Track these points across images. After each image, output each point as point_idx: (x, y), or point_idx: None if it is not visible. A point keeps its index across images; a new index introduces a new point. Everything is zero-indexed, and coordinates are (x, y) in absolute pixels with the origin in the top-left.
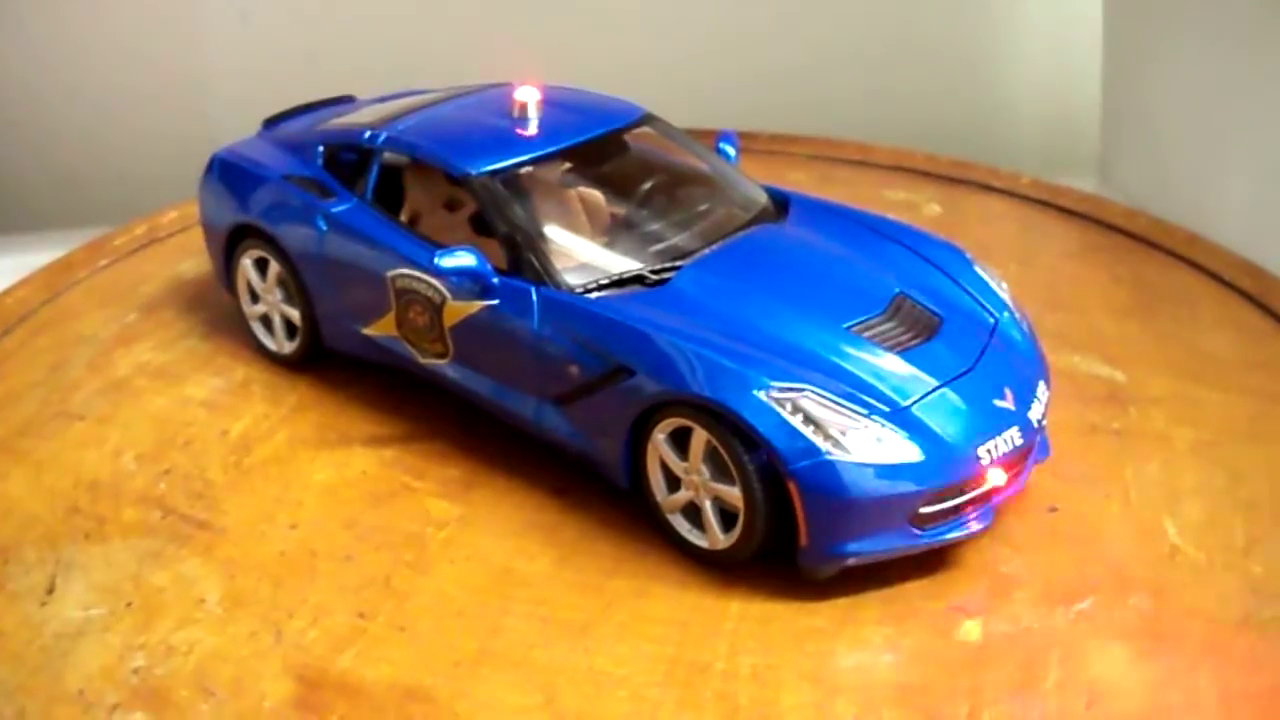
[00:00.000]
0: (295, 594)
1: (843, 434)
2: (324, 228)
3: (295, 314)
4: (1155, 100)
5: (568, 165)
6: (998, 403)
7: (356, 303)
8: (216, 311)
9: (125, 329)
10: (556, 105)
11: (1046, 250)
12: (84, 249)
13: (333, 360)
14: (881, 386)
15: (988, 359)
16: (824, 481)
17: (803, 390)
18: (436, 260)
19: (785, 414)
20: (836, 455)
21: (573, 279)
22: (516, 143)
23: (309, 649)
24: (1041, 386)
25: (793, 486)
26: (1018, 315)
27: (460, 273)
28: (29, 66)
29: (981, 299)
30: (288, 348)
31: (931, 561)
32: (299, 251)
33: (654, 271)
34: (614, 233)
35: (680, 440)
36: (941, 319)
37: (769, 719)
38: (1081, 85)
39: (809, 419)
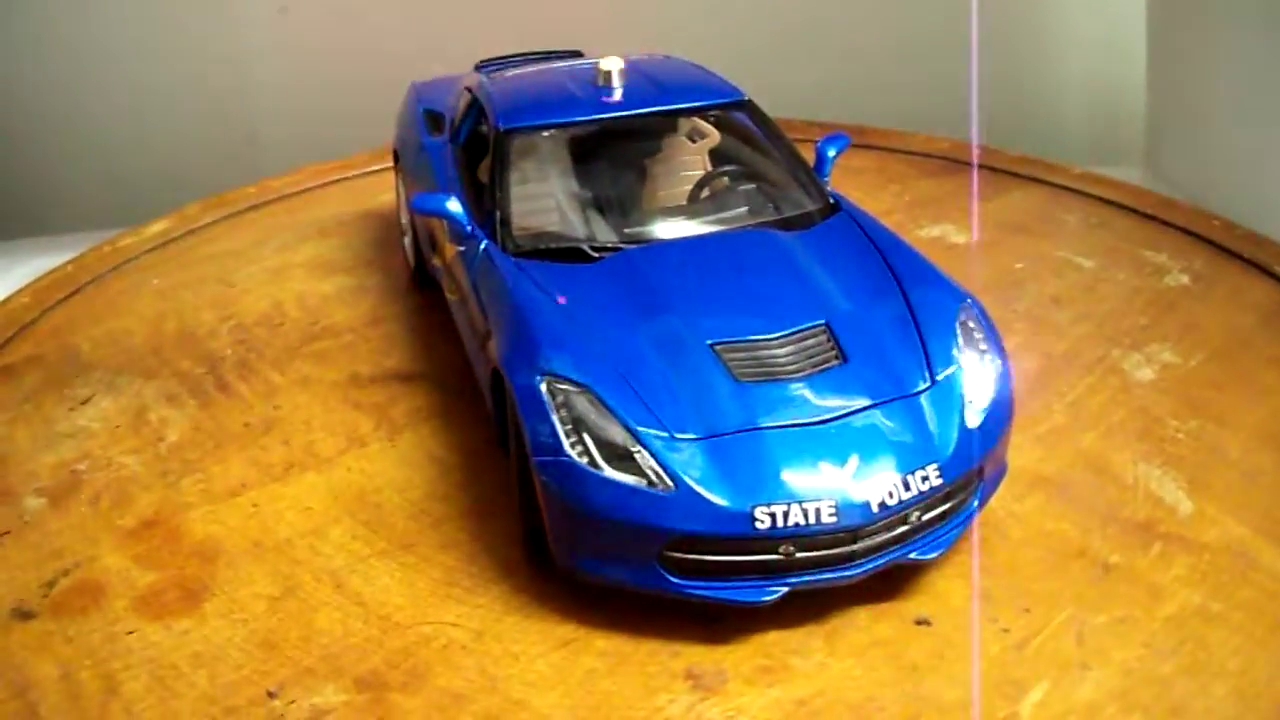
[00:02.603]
0: (220, 457)
1: (596, 443)
2: (418, 161)
3: (413, 235)
4: (1201, 90)
5: (609, 135)
6: (825, 467)
7: (428, 233)
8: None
9: (332, 224)
10: (644, 78)
11: None
12: (359, 158)
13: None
14: (688, 410)
15: (860, 419)
16: (558, 482)
17: (582, 389)
18: (414, 201)
19: (551, 404)
20: (578, 460)
21: (522, 240)
22: (564, 106)
23: (183, 498)
24: (930, 472)
25: (535, 479)
26: (973, 396)
27: (432, 214)
28: (63, 64)
29: (930, 358)
30: (412, 262)
31: (691, 627)
32: (406, 180)
33: (595, 249)
34: (607, 207)
35: None
36: (843, 361)
37: None
38: (1127, 75)
39: (573, 417)
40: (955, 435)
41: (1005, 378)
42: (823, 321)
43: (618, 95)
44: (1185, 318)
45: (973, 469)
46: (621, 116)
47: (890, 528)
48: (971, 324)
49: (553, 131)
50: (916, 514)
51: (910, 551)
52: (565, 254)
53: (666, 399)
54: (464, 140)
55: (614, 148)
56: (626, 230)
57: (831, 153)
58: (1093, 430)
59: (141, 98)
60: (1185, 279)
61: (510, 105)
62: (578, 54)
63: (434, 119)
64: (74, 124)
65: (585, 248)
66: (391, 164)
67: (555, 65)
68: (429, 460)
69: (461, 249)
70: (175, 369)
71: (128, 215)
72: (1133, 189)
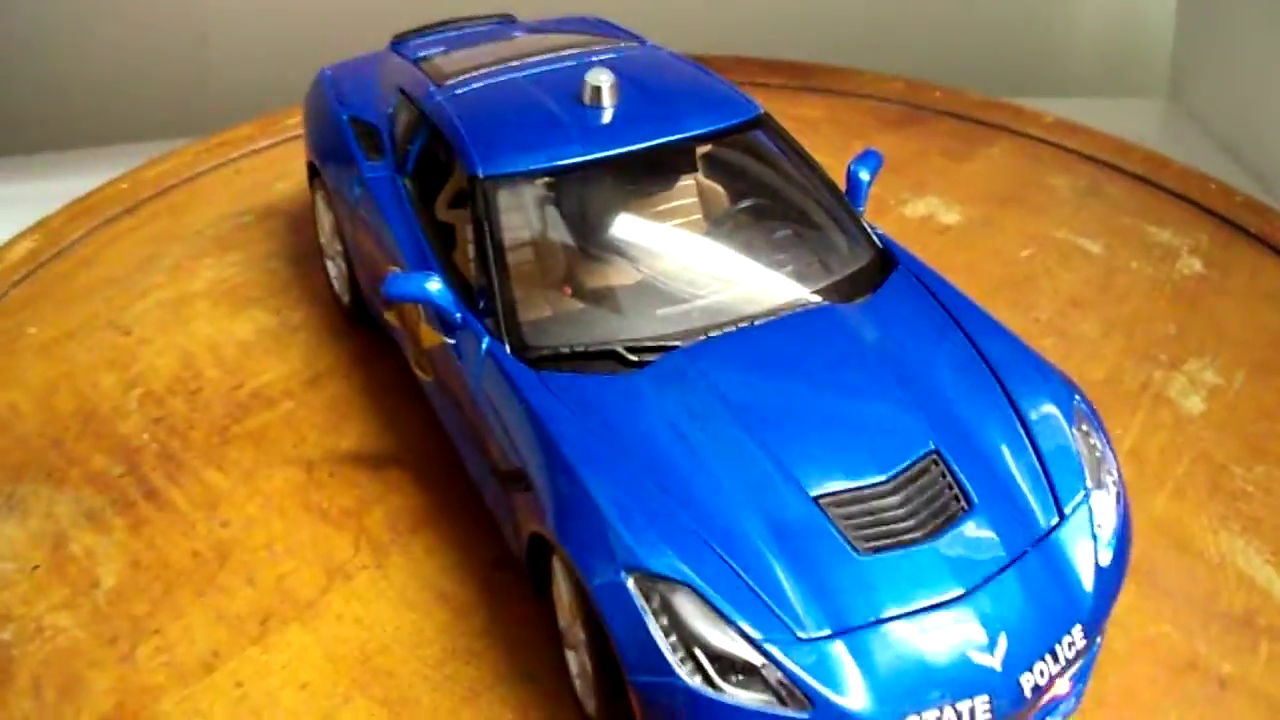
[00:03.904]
0: (174, 608)
1: (711, 657)
2: (357, 192)
3: (345, 268)
4: (1235, 20)
5: (616, 177)
6: (975, 656)
7: (376, 279)
8: None
9: (231, 231)
10: (639, 91)
11: None
12: (245, 129)
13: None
14: (809, 597)
15: (999, 585)
16: (669, 708)
17: (681, 586)
18: (384, 286)
19: (646, 609)
20: (693, 684)
21: (534, 336)
22: (553, 140)
23: (146, 677)
24: (1076, 636)
25: (634, 698)
26: (1101, 521)
27: (410, 301)
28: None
29: (1053, 483)
30: (345, 299)
31: None
32: (340, 207)
33: (632, 350)
34: (628, 279)
35: None
36: (968, 507)
37: None
38: (1150, 2)
39: (675, 624)
40: (1093, 582)
41: (1123, 491)
42: (933, 449)
43: (611, 117)
44: (1212, 319)
45: (1107, 617)
46: (626, 153)
47: (1035, 704)
48: (1085, 426)
49: (549, 178)
50: (1061, 683)
51: (1047, 718)
52: (595, 354)
53: (782, 585)
54: (413, 168)
55: (620, 193)
56: (661, 313)
57: (865, 176)
58: (1161, 489)
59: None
60: (1198, 264)
61: (487, 142)
62: (509, 18)
63: (365, 132)
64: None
65: (620, 348)
66: (307, 176)
67: (519, 71)
68: (436, 598)
69: (450, 341)
70: (86, 469)
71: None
72: (1111, 140)
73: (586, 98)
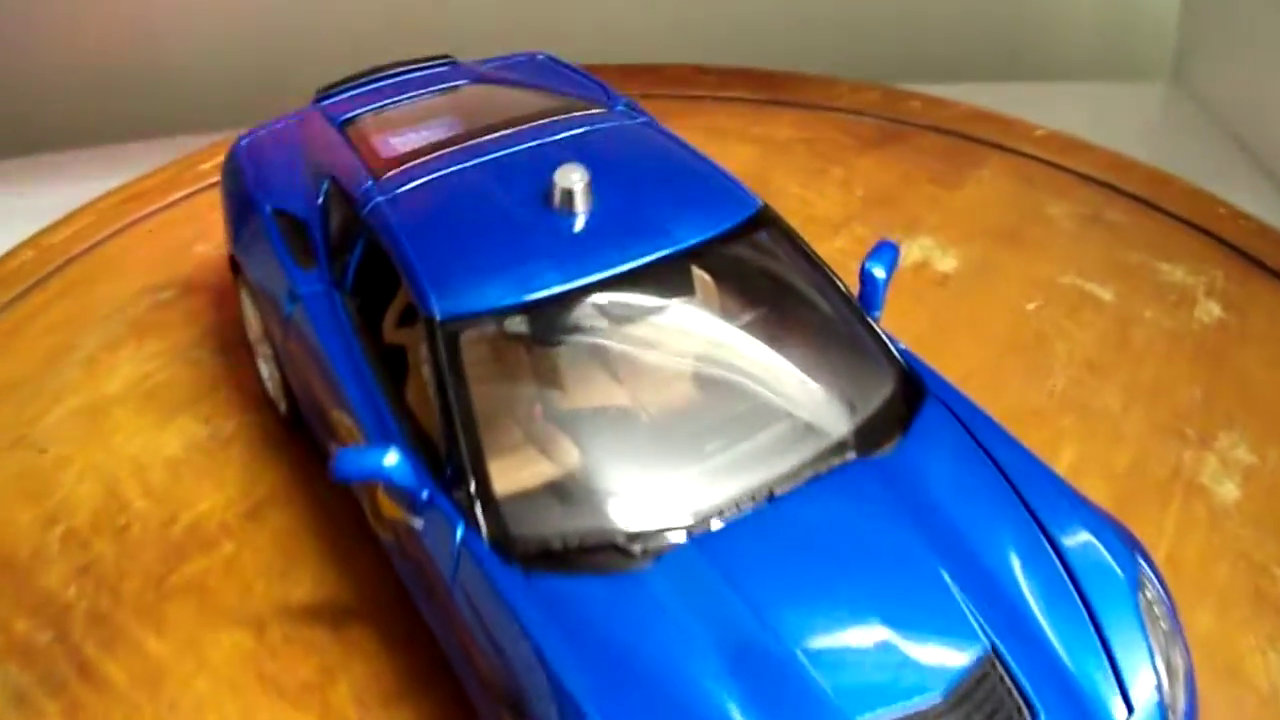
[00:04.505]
0: None
1: None
2: (289, 309)
3: (279, 375)
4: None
5: (599, 306)
6: None
7: (317, 412)
8: None
9: (150, 312)
10: (621, 189)
11: None
12: (159, 175)
13: None
14: None
15: None
16: None
17: None
18: (331, 466)
19: None
20: None
21: (517, 522)
22: (521, 264)
23: None
24: None
25: None
26: (1173, 707)
27: (364, 482)
28: None
29: (1120, 675)
30: (282, 405)
31: None
32: (270, 319)
33: (631, 538)
34: (624, 437)
35: None
36: (1031, 717)
37: None
38: None
39: None
40: None
41: (1191, 669)
42: (989, 647)
43: (588, 225)
44: (1238, 378)
45: None
46: (611, 277)
47: None
48: (1150, 594)
49: (517, 315)
50: None
51: None
52: (582, 550)
53: None
54: (354, 283)
55: (606, 325)
56: (666, 484)
57: (881, 274)
58: (1203, 603)
59: None
60: (1216, 309)
61: (442, 271)
62: (449, 60)
63: (293, 229)
64: None
65: (621, 540)
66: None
67: (470, 157)
68: None
69: (417, 522)
70: (9, 635)
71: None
72: (1107, 156)
73: (556, 201)
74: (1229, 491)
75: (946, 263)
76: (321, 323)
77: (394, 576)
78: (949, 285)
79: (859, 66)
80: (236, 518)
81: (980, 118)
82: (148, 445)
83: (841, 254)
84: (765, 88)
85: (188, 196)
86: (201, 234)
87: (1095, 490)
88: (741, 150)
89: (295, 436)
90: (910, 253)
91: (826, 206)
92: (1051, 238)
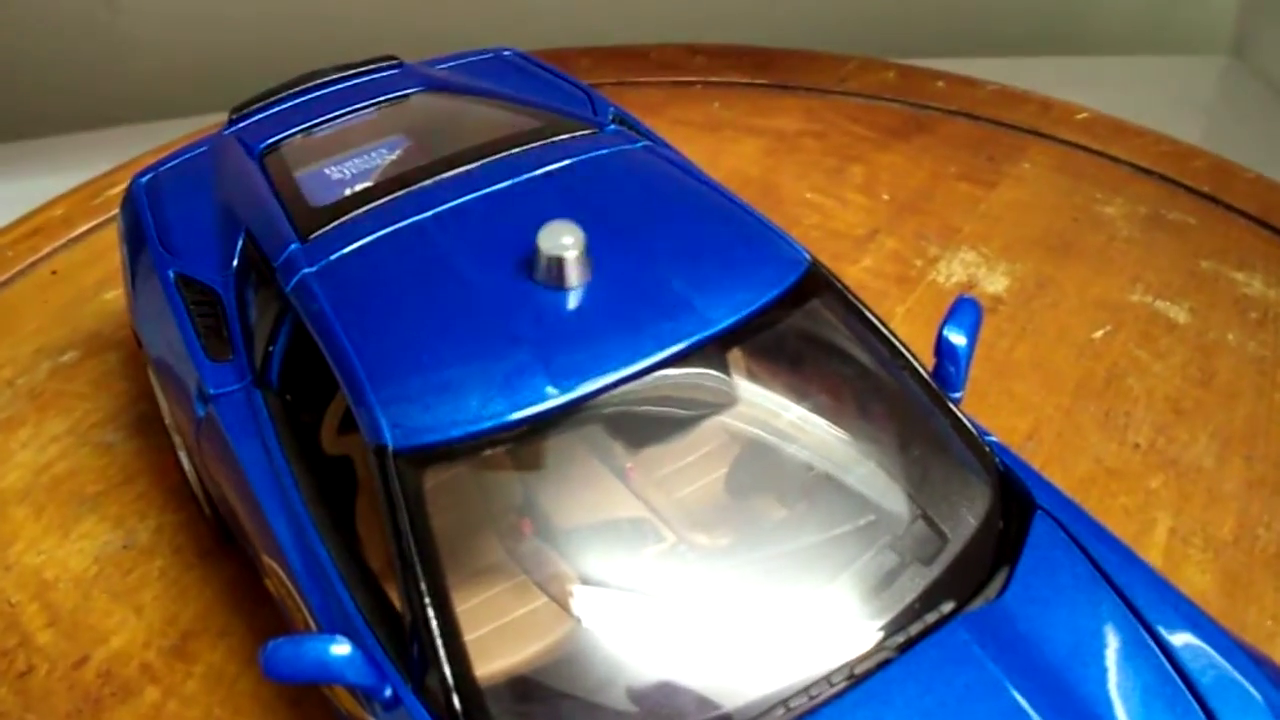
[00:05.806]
0: None
1: None
2: (200, 411)
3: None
4: None
5: (606, 424)
6: None
7: (242, 539)
8: None
9: (49, 380)
10: (625, 250)
11: None
12: (62, 204)
13: None
14: None
15: None
16: None
17: None
18: (264, 663)
19: None
20: None
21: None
22: (511, 368)
23: None
24: None
25: None
26: None
27: (309, 680)
28: None
29: None
30: (206, 508)
31: None
32: (179, 417)
33: None
34: (648, 610)
35: None
36: None
37: None
38: None
39: None
40: None
41: None
42: None
43: (584, 304)
44: None
45: None
46: (620, 381)
47: None
48: None
49: (497, 442)
50: None
51: None
52: None
53: None
54: (279, 380)
55: (611, 447)
56: (710, 679)
57: (962, 342)
58: None
59: None
60: None
61: (395, 382)
62: (393, 62)
63: (203, 303)
64: None
65: None
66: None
67: (423, 205)
68: None
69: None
70: None
71: None
72: (1163, 142)
73: (542, 272)
74: None
75: (995, 282)
76: (240, 434)
77: None
78: (1000, 311)
79: (869, 40)
80: (160, 655)
81: (1014, 99)
82: (51, 560)
83: (871, 276)
84: (764, 69)
85: (91, 230)
86: (108, 278)
87: (1202, 570)
88: (741, 146)
89: (224, 548)
90: (951, 270)
91: (848, 216)
92: (1110, 245)
